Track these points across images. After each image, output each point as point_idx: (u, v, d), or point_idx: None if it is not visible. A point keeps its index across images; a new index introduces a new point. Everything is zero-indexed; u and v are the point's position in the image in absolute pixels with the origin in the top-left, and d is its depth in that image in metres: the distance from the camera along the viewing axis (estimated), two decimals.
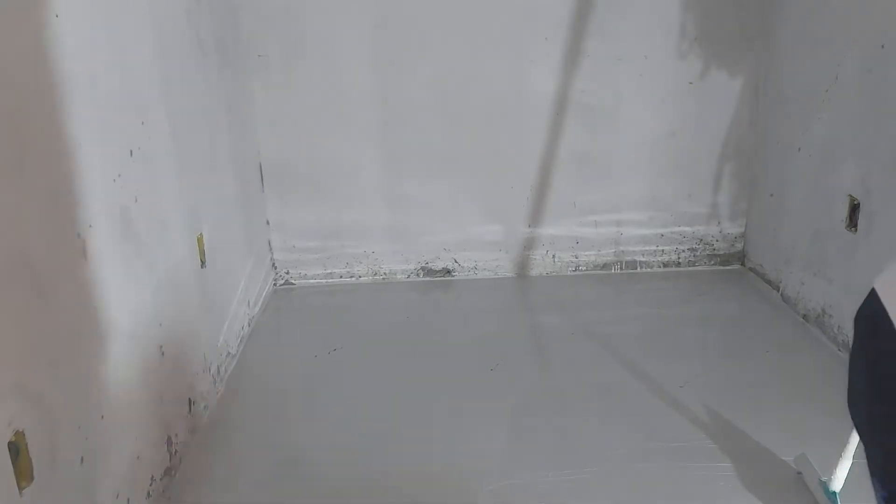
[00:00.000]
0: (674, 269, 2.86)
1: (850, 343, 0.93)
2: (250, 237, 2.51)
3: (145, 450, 1.55)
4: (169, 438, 1.68)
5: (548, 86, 2.63)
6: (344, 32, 2.53)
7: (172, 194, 1.80)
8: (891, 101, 1.93)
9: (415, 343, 2.36)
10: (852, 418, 0.92)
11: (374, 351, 2.31)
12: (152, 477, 1.58)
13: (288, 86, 2.58)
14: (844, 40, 2.12)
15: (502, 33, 2.57)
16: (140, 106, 1.61)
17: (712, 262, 2.87)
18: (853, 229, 2.10)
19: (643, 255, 2.85)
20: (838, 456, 1.49)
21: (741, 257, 2.87)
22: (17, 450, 1.09)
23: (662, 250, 2.85)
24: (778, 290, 2.56)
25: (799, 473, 1.66)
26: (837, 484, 1.52)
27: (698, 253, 2.86)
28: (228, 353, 2.17)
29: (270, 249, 2.76)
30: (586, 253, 2.84)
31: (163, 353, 1.67)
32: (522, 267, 2.85)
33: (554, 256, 2.84)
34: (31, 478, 1.12)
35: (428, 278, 2.84)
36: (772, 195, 2.61)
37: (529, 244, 2.83)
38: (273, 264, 2.79)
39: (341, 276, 2.82)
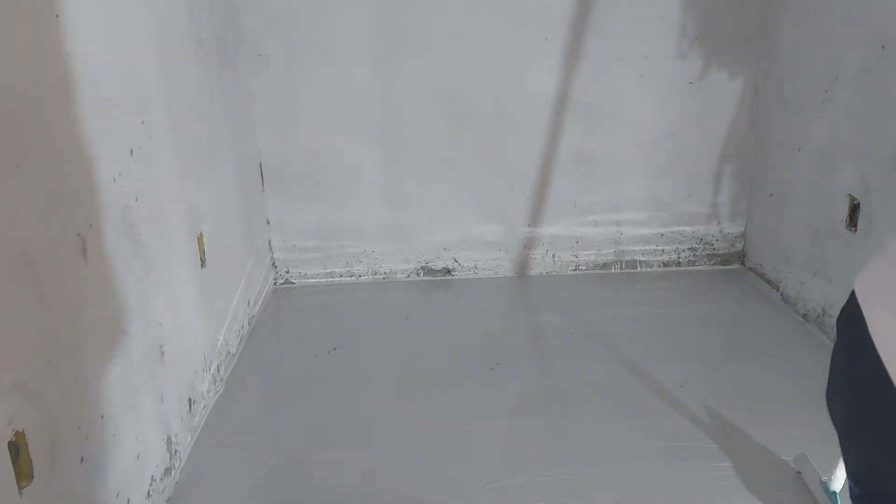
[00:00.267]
0: (674, 268, 2.86)
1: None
2: (250, 236, 2.51)
3: (145, 450, 1.55)
4: (169, 438, 1.68)
5: (548, 85, 2.63)
6: (344, 32, 2.53)
7: (172, 194, 1.80)
8: (891, 101, 1.93)
9: (415, 342, 2.36)
10: (830, 415, 0.93)
11: (373, 350, 2.31)
12: (152, 477, 1.58)
13: (288, 85, 2.58)
14: (844, 40, 2.12)
15: (502, 33, 2.57)
16: (140, 105, 1.61)
17: (712, 262, 2.87)
18: (853, 229, 2.10)
19: (643, 254, 2.85)
20: (838, 456, 1.48)
21: (741, 257, 2.87)
22: (17, 450, 1.09)
23: (662, 250, 2.85)
24: (778, 290, 2.56)
25: (799, 473, 1.66)
26: (837, 484, 1.52)
27: (698, 253, 2.86)
28: (228, 352, 2.17)
29: (270, 249, 2.76)
30: (586, 252, 2.84)
31: (163, 353, 1.67)
32: (522, 266, 2.85)
33: (554, 256, 2.84)
34: (31, 478, 1.12)
35: (428, 278, 2.84)
36: (772, 195, 2.61)
37: (529, 244, 2.83)
38: (273, 263, 2.79)
39: (341, 276, 2.82)
